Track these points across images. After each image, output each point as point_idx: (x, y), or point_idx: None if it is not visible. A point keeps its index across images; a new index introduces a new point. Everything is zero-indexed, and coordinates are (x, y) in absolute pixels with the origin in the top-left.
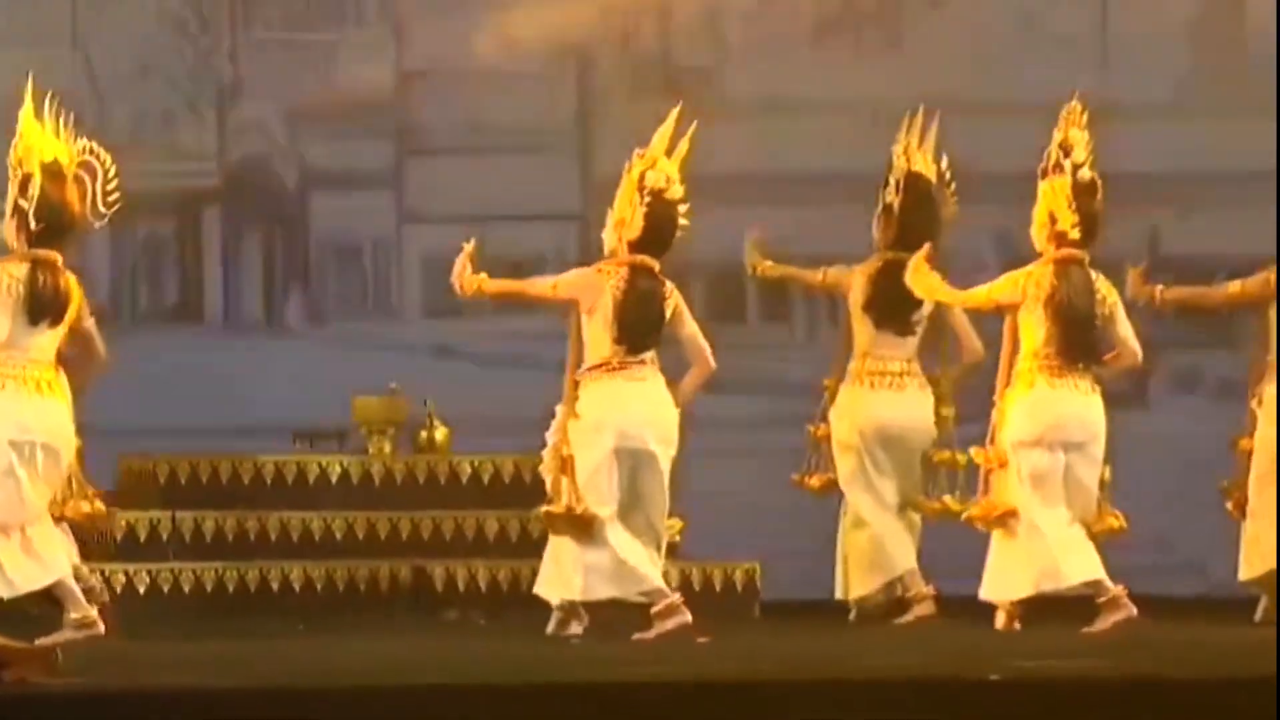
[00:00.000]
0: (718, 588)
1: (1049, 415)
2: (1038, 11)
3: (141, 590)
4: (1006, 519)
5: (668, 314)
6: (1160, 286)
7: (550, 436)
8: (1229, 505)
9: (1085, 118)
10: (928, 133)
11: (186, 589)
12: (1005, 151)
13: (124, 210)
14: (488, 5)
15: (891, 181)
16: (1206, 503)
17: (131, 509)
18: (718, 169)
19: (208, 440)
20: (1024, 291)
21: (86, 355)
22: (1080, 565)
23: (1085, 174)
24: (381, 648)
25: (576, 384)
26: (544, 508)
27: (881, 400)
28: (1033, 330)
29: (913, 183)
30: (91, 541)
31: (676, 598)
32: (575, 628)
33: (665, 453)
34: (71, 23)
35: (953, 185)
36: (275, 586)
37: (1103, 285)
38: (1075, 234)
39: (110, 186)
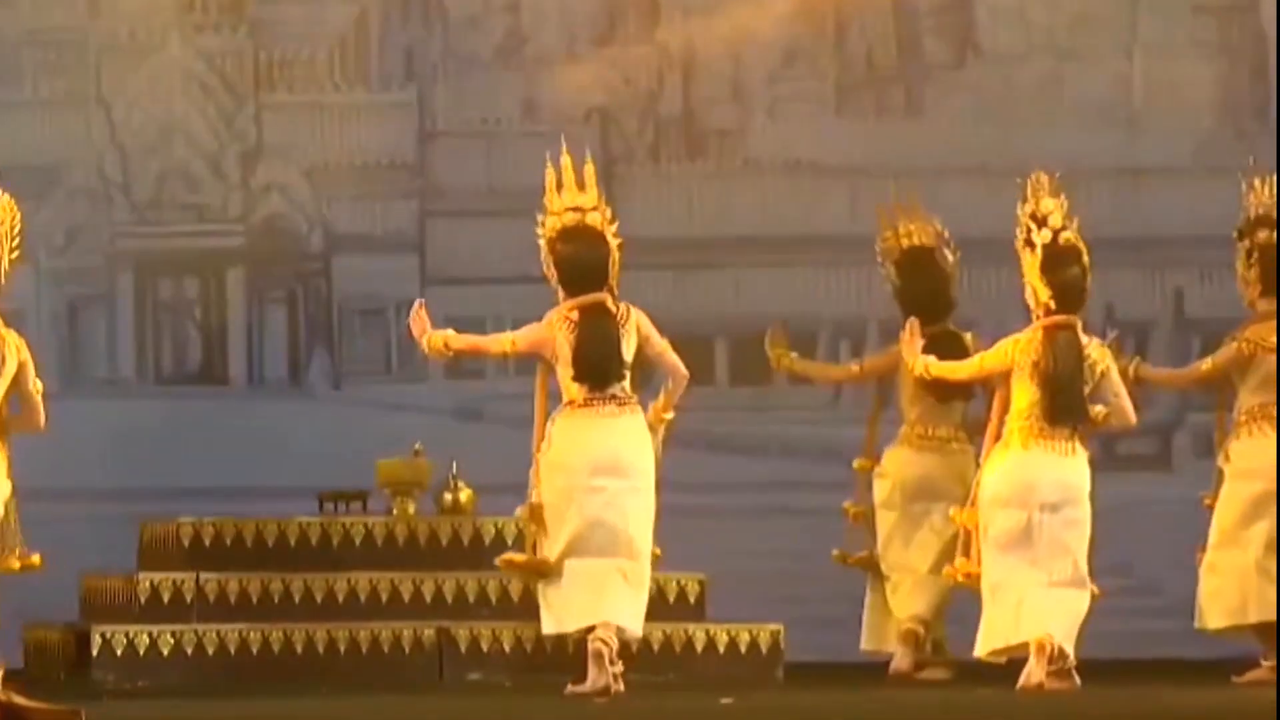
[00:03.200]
0: (742, 649)
1: (1022, 476)
2: (1061, 75)
3: (166, 652)
4: (975, 578)
5: (629, 341)
6: (1136, 361)
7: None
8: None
9: (1054, 184)
10: (913, 202)
11: (211, 650)
12: None
13: (149, 271)
14: (511, 67)
15: (890, 268)
16: None
17: (155, 570)
18: (741, 230)
19: (231, 502)
20: (1012, 359)
21: (23, 413)
22: (1031, 625)
23: (1065, 238)
24: (406, 709)
25: (545, 435)
26: (505, 556)
27: (925, 461)
28: (1020, 394)
29: (914, 258)
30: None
31: (613, 643)
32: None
33: (631, 486)
34: (96, 85)
35: (950, 241)
36: (300, 648)
37: (1094, 350)
38: (1054, 304)
39: (14, 243)
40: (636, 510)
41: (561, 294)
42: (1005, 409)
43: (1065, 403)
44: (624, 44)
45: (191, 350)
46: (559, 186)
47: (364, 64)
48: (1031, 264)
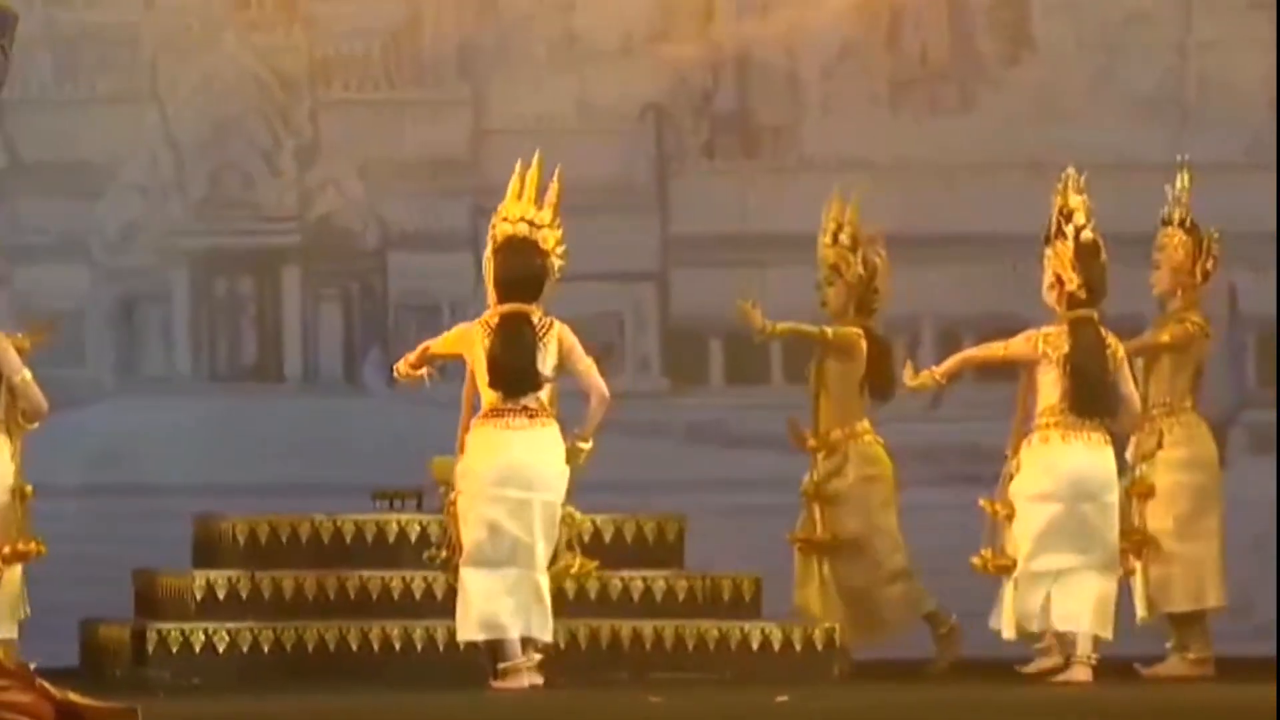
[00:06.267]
0: (797, 647)
1: (1063, 469)
2: (1112, 70)
3: (221, 649)
4: (1006, 568)
5: (547, 354)
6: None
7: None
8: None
9: (1083, 181)
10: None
11: (266, 648)
12: None
13: (204, 269)
14: (565, 64)
15: (854, 258)
16: None
17: (210, 568)
18: (795, 227)
19: (286, 499)
20: (1040, 351)
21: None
22: (1060, 614)
23: (1087, 235)
24: (460, 707)
25: (467, 433)
26: (430, 553)
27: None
28: (1049, 388)
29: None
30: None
31: (522, 660)
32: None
33: (541, 498)
34: (152, 81)
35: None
36: (355, 646)
37: (1112, 341)
38: (1082, 294)
39: None
40: (543, 520)
41: (492, 298)
42: (1028, 405)
43: (1094, 395)
44: (678, 41)
45: (247, 347)
46: (519, 194)
47: (418, 61)
48: (1063, 255)
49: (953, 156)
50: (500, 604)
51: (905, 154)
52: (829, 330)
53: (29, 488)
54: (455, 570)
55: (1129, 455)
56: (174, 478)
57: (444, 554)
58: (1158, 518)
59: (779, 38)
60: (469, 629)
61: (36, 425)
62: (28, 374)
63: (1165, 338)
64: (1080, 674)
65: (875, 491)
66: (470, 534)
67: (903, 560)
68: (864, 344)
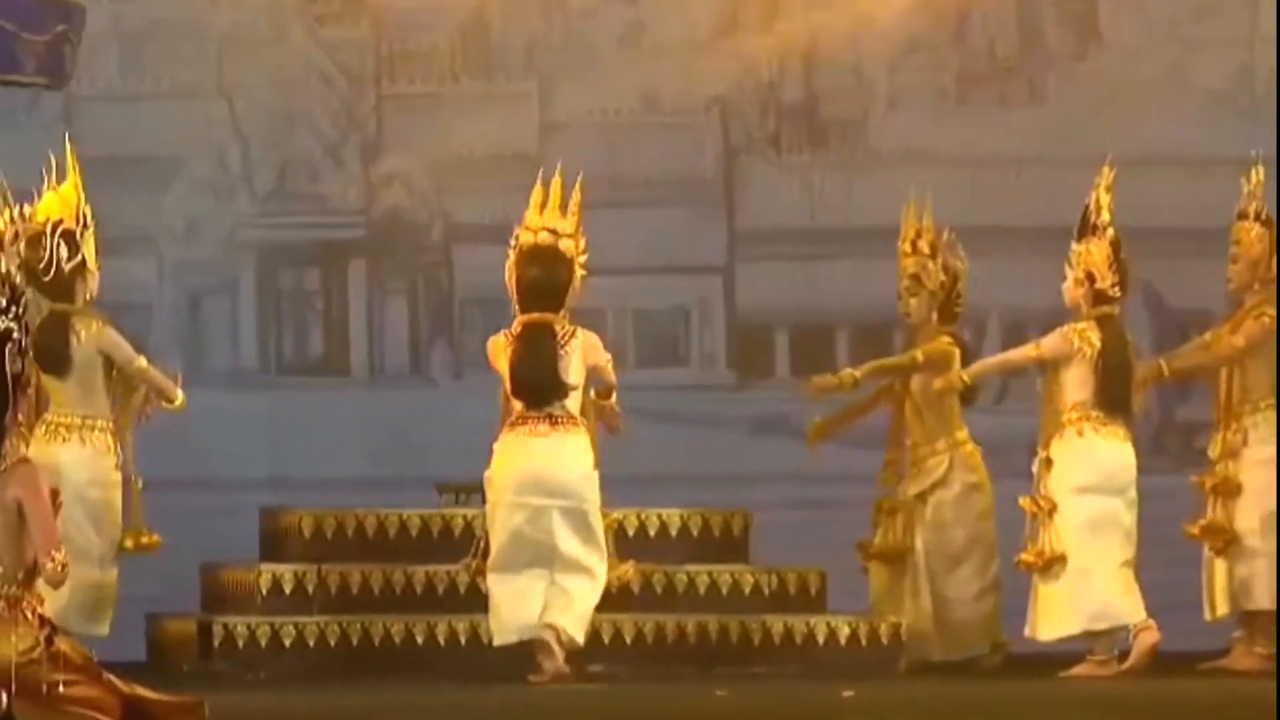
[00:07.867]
0: (863, 641)
1: (1100, 463)
2: (1183, 64)
3: (288, 643)
4: (1055, 564)
5: (570, 363)
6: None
7: None
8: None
9: (1113, 177)
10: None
11: (332, 642)
12: (1149, 206)
13: (270, 262)
14: (631, 57)
15: (934, 265)
16: None
17: (276, 562)
18: (861, 221)
19: (352, 493)
20: (1077, 348)
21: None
22: (1131, 606)
23: (1112, 233)
24: (527, 700)
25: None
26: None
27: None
28: (1077, 384)
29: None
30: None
31: (557, 657)
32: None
33: (561, 504)
34: (218, 75)
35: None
36: (420, 639)
37: (1129, 338)
38: (1115, 291)
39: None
40: (566, 526)
41: (515, 308)
42: (1054, 397)
43: (1122, 390)
44: (745, 34)
45: (313, 341)
46: (542, 205)
47: (485, 55)
48: (1098, 252)
49: (1021, 150)
50: (526, 606)
51: (973, 147)
52: (918, 353)
53: (139, 481)
54: (480, 574)
55: (1211, 451)
56: (240, 471)
57: (473, 561)
58: (1244, 516)
59: (846, 31)
60: (500, 633)
61: (178, 404)
62: (143, 361)
63: (1241, 342)
64: (1151, 637)
65: (977, 500)
66: (495, 540)
67: (996, 571)
68: (956, 352)
